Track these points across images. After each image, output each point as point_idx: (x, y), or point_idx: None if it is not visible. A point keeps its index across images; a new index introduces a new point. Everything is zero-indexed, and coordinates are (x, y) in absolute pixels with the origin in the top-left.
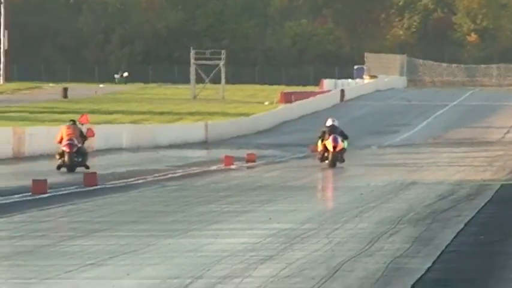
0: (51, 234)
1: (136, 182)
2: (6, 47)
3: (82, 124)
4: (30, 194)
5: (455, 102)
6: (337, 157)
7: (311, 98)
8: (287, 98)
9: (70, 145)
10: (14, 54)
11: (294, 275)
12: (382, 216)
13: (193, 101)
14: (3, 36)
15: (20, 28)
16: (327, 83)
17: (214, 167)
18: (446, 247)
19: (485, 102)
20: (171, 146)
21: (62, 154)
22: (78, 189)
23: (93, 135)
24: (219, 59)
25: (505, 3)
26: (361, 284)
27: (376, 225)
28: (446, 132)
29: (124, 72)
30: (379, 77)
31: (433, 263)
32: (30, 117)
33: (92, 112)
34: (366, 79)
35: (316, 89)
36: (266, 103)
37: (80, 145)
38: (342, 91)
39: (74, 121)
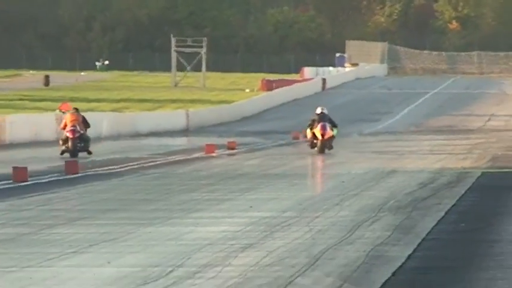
0: (32, 222)
1: (117, 170)
2: None
3: (63, 112)
4: (10, 182)
5: (436, 90)
6: (326, 144)
7: (292, 86)
8: (268, 86)
9: (73, 131)
10: None
11: (275, 264)
12: (362, 204)
13: (174, 89)
14: None
15: (1, 15)
16: (308, 71)
17: (195, 155)
18: (426, 235)
19: (467, 90)
20: (152, 134)
21: (65, 140)
22: (59, 177)
23: None
24: (201, 46)
25: None
26: (341, 272)
27: (357, 213)
28: (427, 120)
29: (105, 60)
30: (360, 65)
31: (414, 250)
32: (10, 104)
33: (73, 100)
34: (347, 67)
35: (297, 76)
36: (247, 91)
37: (82, 131)
38: (324, 80)
39: (77, 109)
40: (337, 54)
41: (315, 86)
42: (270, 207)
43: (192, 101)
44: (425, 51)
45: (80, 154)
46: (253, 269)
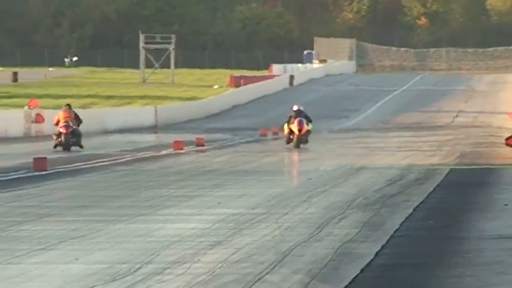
0: (1, 219)
1: (85, 166)
2: None
3: (31, 108)
4: None
5: (404, 87)
6: (302, 139)
7: (260, 82)
8: (236, 82)
9: (66, 127)
10: None
11: (243, 260)
12: (331, 201)
13: (142, 85)
14: None
15: None
16: (277, 67)
17: (163, 152)
18: (395, 232)
19: (435, 86)
20: (120, 131)
21: (58, 135)
22: (28, 174)
23: (42, 121)
24: (169, 43)
25: None
26: (310, 269)
27: (325, 210)
28: (395, 116)
29: (74, 56)
30: (329, 62)
31: (382, 247)
32: None
33: (41, 97)
34: (316, 64)
35: (265, 73)
36: (216, 87)
37: (75, 127)
38: (291, 76)
39: (69, 105)
40: (305, 51)
41: (283, 83)
42: (239, 204)
43: (161, 98)
44: (393, 48)
45: (72, 148)
46: (221, 265)
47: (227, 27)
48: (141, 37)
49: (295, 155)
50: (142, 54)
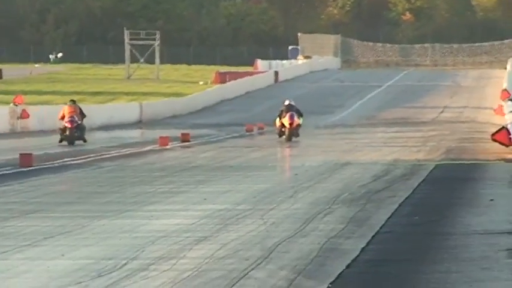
0: None
1: (71, 162)
2: None
3: (17, 105)
4: None
5: (389, 83)
6: (293, 132)
7: (245, 78)
8: (222, 78)
9: (71, 121)
10: None
11: (229, 256)
12: (316, 197)
13: (127, 81)
14: None
15: None
16: (262, 63)
17: (149, 148)
18: (380, 228)
19: (420, 82)
20: (106, 127)
21: (63, 129)
22: (13, 170)
23: (27, 117)
24: (154, 39)
25: None
26: (295, 265)
27: (311, 205)
28: (380, 112)
29: (59, 52)
30: (314, 58)
31: (368, 243)
32: None
33: (26, 93)
34: (300, 60)
35: (250, 69)
36: (201, 83)
37: (79, 122)
38: (276, 72)
39: (74, 101)
40: (290, 47)
41: (267, 79)
42: (224, 199)
43: (146, 94)
44: (378, 44)
45: (76, 142)
46: (207, 261)
47: (212, 23)
48: (126, 33)
49: (281, 151)
50: (127, 50)
